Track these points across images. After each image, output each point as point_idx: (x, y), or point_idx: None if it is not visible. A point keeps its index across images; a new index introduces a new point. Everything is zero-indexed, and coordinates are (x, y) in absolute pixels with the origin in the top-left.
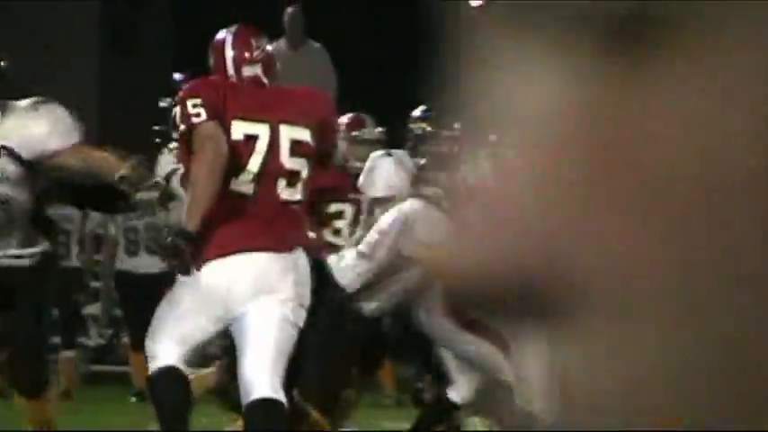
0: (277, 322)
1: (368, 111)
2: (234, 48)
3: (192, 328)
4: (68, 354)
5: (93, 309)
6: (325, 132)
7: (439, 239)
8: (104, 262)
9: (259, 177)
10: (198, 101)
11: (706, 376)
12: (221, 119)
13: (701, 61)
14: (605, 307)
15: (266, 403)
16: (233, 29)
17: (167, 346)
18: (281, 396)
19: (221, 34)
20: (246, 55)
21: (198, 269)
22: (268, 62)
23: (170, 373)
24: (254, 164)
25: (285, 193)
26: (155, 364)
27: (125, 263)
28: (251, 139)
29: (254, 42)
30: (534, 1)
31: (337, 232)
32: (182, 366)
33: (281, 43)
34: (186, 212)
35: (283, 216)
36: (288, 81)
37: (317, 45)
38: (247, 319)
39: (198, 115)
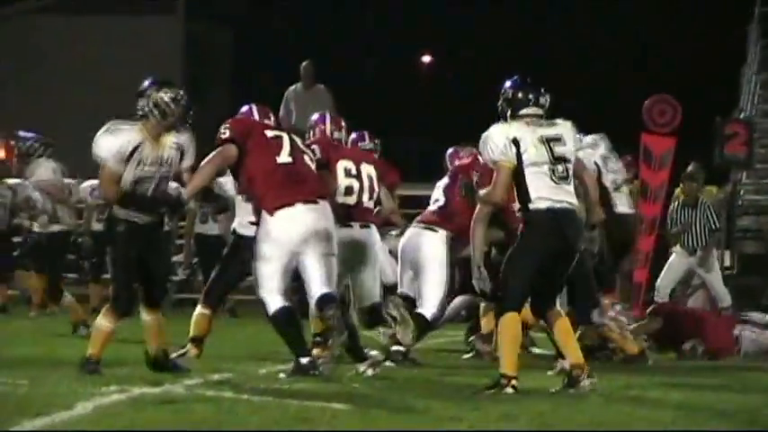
0: (328, 253)
1: None
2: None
3: (283, 271)
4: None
5: (178, 257)
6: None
7: None
8: (187, 226)
9: (292, 152)
10: (228, 126)
11: None
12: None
13: None
14: None
15: (326, 296)
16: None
17: (274, 292)
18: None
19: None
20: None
21: (264, 220)
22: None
23: (284, 310)
24: (286, 147)
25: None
26: (272, 306)
27: (198, 227)
28: (278, 138)
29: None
30: None
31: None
32: (287, 301)
33: (298, 85)
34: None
35: (313, 175)
36: (300, 111)
37: (322, 86)
38: (309, 253)
39: (224, 133)
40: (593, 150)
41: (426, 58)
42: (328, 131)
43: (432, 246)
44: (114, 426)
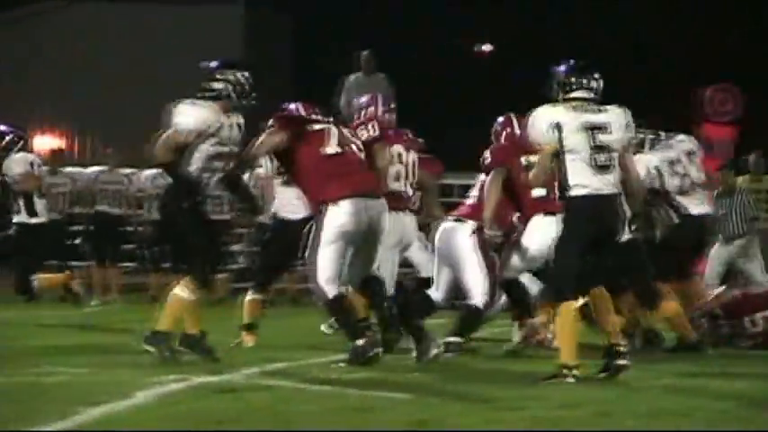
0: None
1: None
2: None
3: (340, 260)
4: (222, 274)
5: (237, 246)
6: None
7: None
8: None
9: (340, 143)
10: (275, 119)
11: None
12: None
13: None
14: None
15: (375, 279)
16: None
17: (330, 281)
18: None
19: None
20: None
21: (327, 209)
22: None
23: (339, 297)
24: (334, 138)
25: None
26: (328, 294)
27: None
28: (325, 130)
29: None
30: None
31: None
32: (342, 288)
33: (359, 74)
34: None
35: (363, 166)
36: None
37: (383, 75)
38: (368, 246)
39: (272, 125)
40: (661, 153)
41: (486, 47)
42: (379, 112)
43: (462, 236)
44: (173, 414)
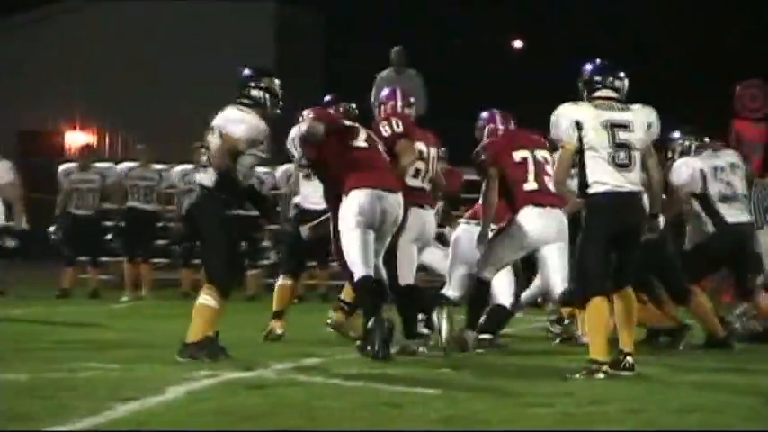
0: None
1: None
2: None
3: (365, 244)
4: (254, 271)
5: (268, 242)
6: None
7: None
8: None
9: (368, 140)
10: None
11: None
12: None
13: None
14: None
15: (409, 288)
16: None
17: (359, 262)
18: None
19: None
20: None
21: (353, 194)
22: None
23: (367, 278)
24: (363, 134)
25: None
26: (357, 274)
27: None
28: (354, 127)
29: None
30: None
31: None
32: (373, 272)
33: (390, 70)
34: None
35: (387, 164)
36: None
37: (414, 71)
38: (378, 237)
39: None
40: (708, 160)
41: (518, 44)
42: (399, 108)
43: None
44: (205, 410)
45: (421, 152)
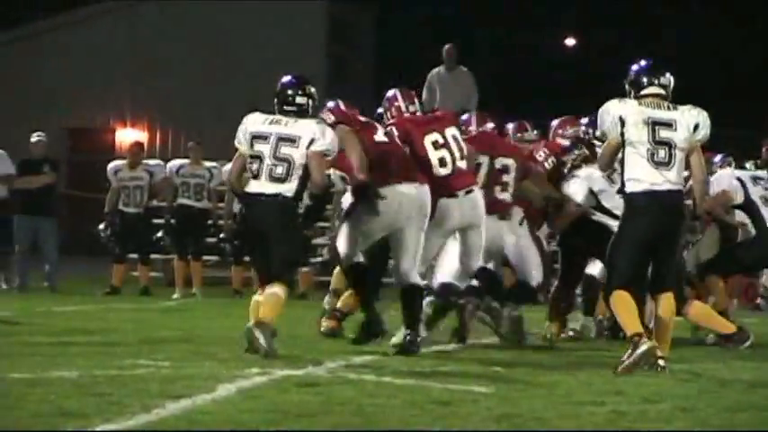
0: (421, 232)
1: None
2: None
3: (369, 240)
4: (305, 269)
5: (320, 240)
6: None
7: None
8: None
9: (388, 136)
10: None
11: None
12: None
13: None
14: None
15: (414, 287)
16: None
17: (350, 255)
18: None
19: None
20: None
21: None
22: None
23: (358, 266)
24: (381, 131)
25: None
26: (346, 262)
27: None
28: (371, 123)
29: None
30: None
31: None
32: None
33: (441, 68)
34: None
35: (407, 156)
36: (443, 93)
37: (465, 69)
38: (406, 230)
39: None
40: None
41: (570, 42)
42: (403, 107)
43: (512, 228)
44: (256, 408)
45: (436, 142)
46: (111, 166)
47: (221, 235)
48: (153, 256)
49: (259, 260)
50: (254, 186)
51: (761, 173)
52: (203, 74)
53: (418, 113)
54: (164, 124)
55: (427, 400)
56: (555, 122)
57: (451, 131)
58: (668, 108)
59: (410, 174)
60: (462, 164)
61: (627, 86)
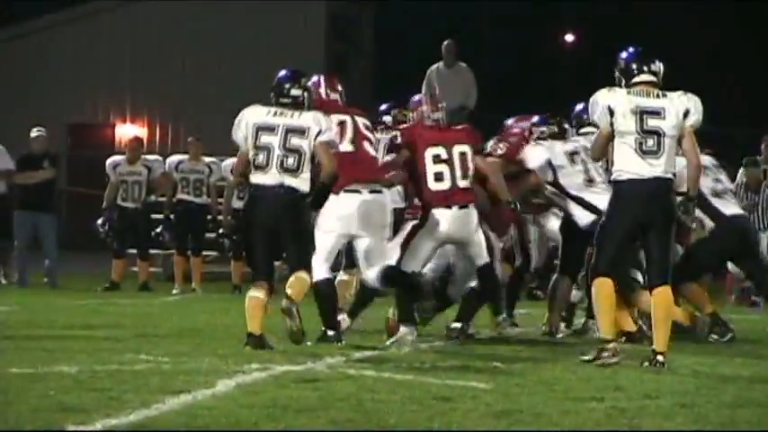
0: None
1: None
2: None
3: (334, 247)
4: None
5: None
6: None
7: None
8: None
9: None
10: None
11: None
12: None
13: None
14: None
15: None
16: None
17: (322, 263)
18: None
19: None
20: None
21: (333, 198)
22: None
23: (326, 281)
24: (349, 135)
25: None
26: (317, 275)
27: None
28: (342, 124)
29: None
30: None
31: None
32: (330, 273)
33: (440, 64)
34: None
35: (373, 162)
36: (443, 89)
37: (464, 65)
38: (365, 237)
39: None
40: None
41: (570, 38)
42: (426, 113)
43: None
44: (256, 403)
45: (437, 156)
46: (109, 161)
47: (220, 230)
48: (153, 251)
49: (259, 254)
50: (263, 178)
51: (706, 159)
52: (203, 70)
53: (442, 123)
54: (163, 120)
55: (427, 395)
56: (510, 121)
57: (460, 149)
58: (657, 96)
59: (359, 179)
60: (464, 182)
61: (617, 74)
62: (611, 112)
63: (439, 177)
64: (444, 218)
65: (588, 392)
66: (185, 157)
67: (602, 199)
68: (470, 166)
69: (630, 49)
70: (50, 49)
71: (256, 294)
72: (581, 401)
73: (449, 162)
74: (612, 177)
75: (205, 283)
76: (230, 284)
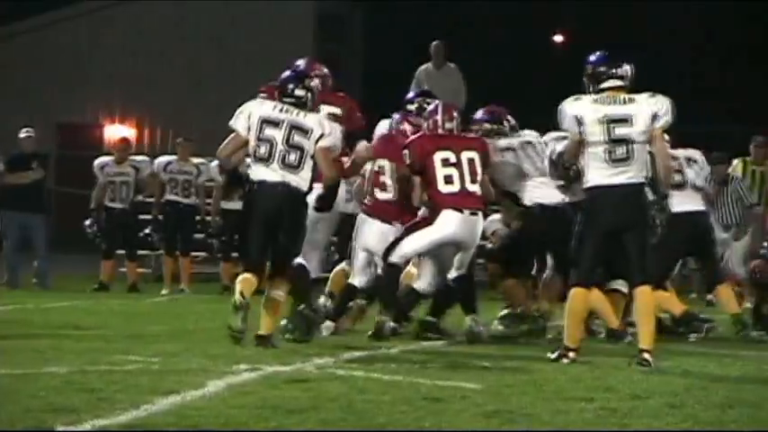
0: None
1: None
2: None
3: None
4: None
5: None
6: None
7: None
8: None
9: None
10: None
11: None
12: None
13: None
14: None
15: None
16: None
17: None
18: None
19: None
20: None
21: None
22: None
23: (301, 266)
24: None
25: None
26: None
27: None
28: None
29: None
30: None
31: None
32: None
33: (429, 65)
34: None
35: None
36: (432, 90)
37: (453, 66)
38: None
39: None
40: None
41: (559, 38)
42: (440, 122)
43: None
44: (246, 404)
45: (446, 160)
46: (97, 161)
47: (209, 231)
48: (143, 252)
49: (254, 245)
50: (264, 173)
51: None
52: (192, 70)
53: (454, 131)
54: (152, 121)
55: (417, 396)
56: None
57: (469, 155)
58: (624, 102)
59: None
60: (474, 187)
61: (585, 80)
62: (579, 122)
63: (448, 180)
64: (455, 220)
65: (578, 393)
66: (174, 157)
67: (534, 193)
68: (479, 171)
69: (598, 54)
70: (39, 50)
71: (278, 292)
72: (571, 402)
73: (457, 165)
74: (584, 186)
75: (194, 283)
76: (219, 285)
